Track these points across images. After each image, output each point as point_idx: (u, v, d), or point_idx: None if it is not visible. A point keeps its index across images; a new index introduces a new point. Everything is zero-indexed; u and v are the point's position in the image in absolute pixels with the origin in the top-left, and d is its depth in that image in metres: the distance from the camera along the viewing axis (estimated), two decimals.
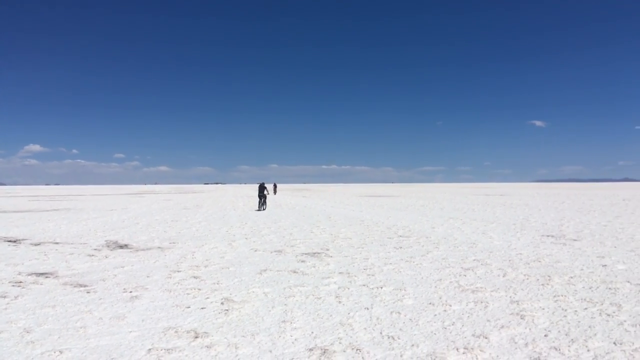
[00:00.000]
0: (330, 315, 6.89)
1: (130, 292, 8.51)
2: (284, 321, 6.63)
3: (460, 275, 9.59)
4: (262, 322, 6.60)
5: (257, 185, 34.01)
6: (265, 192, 32.95)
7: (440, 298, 7.81)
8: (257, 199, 34.51)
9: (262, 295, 8.14)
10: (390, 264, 11.00)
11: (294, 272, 10.17)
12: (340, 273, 9.97)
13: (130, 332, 6.24)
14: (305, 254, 12.64)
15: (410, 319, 6.67)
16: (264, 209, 32.31)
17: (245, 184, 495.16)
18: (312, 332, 6.14)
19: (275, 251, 13.17)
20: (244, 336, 6.01)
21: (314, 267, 10.72)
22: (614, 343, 5.61)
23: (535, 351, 5.37)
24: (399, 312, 7.00)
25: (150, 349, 5.58)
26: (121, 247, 14.41)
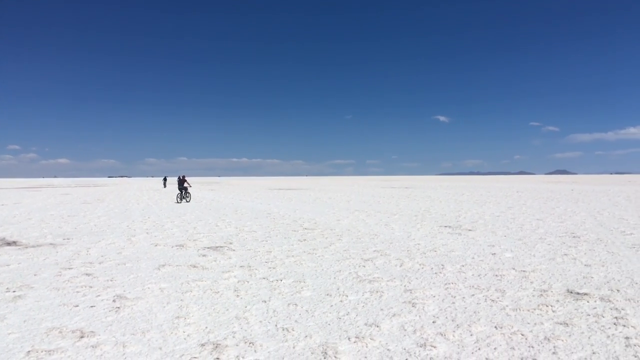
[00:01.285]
0: (227, 310, 6.80)
1: (14, 291, 7.97)
2: (178, 317, 6.46)
3: (359, 266, 9.80)
4: (154, 319, 6.40)
5: (162, 178, 33.78)
6: (186, 185, 33.37)
7: (338, 289, 7.94)
8: (162, 190, 33.94)
9: (158, 291, 7.89)
10: (293, 256, 11.04)
11: (194, 266, 9.96)
12: (241, 267, 9.89)
13: (9, 333, 5.84)
14: (208, 247, 12.42)
15: (307, 311, 6.72)
16: (187, 201, 33.03)
17: (152, 177, 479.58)
18: (207, 327, 6.03)
19: (176, 246, 12.84)
20: (133, 334, 5.80)
21: (215, 261, 10.56)
22: (495, 327, 5.93)
23: (422, 337, 5.57)
24: (296, 304, 7.03)
25: (29, 351, 5.25)
26: (8, 244, 13.50)
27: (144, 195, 46.81)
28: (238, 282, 8.54)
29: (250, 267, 9.87)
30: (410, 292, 7.64)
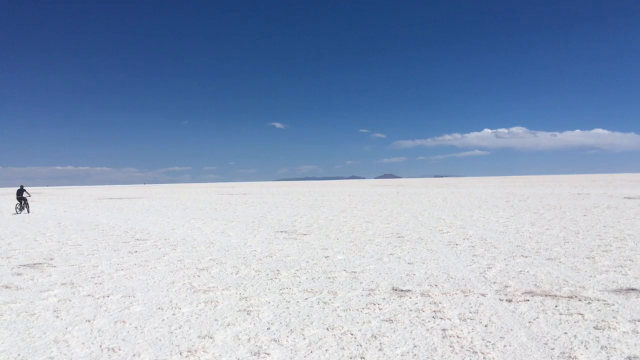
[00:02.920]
0: (44, 333, 6.18)
1: None
2: None
3: (194, 276, 9.53)
4: None
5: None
6: (25, 195, 31.82)
7: (170, 301, 7.63)
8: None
9: None
10: (122, 269, 10.42)
11: (7, 287, 8.95)
12: (63, 284, 9.08)
13: None
14: (24, 265, 11.25)
15: (136, 327, 6.35)
16: (27, 212, 31.64)
17: None
18: (19, 355, 5.43)
19: None
20: None
21: (32, 279, 9.58)
22: (327, 329, 6.10)
23: (256, 345, 5.55)
24: (124, 321, 6.61)
25: None
26: None
27: None
28: (58, 301, 7.82)
29: (73, 284, 9.11)
30: (246, 300, 7.60)
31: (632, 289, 7.65)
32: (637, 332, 5.68)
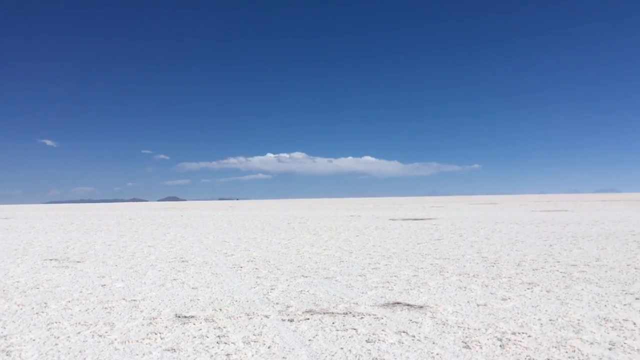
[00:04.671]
0: None
1: None
2: None
3: None
4: None
5: None
6: None
7: None
8: None
9: None
10: None
11: None
12: None
13: None
14: None
15: None
16: None
17: None
18: None
19: None
20: None
21: None
22: None
23: None
24: None
25: None
26: None
27: None
28: None
29: None
30: (5, 339, 6.66)
31: (398, 303, 8.46)
32: (402, 343, 6.26)
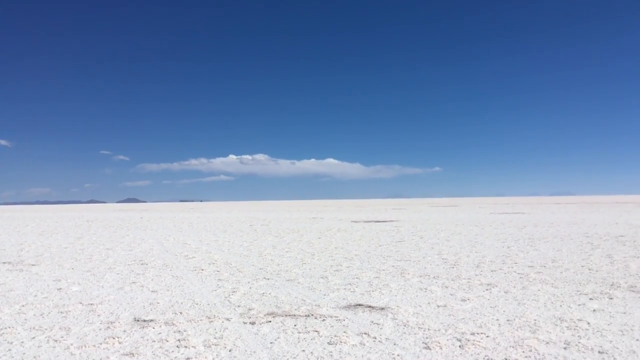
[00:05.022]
0: None
1: None
2: None
3: None
4: None
5: None
6: None
7: None
8: None
9: None
10: None
11: None
12: None
13: None
14: None
15: None
16: None
17: None
18: None
19: None
20: None
21: None
22: None
23: None
24: None
25: None
26: None
27: None
28: None
29: None
30: None
31: (359, 305, 8.51)
32: (364, 344, 6.30)
